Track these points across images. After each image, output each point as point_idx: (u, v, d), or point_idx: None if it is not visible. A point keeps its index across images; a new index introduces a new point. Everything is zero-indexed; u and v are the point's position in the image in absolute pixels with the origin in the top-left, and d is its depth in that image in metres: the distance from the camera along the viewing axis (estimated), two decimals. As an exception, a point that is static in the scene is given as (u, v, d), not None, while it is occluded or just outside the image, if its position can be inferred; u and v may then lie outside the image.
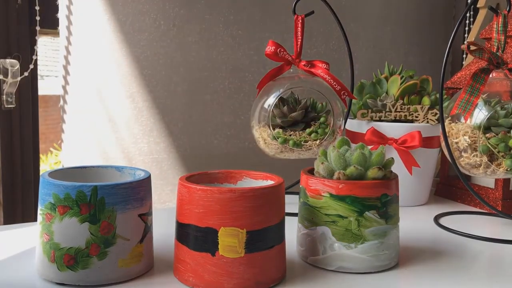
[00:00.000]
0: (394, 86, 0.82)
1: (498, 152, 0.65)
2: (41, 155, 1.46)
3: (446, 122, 0.70)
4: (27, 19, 1.04)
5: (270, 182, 0.49)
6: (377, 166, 0.52)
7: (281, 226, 0.48)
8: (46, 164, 2.49)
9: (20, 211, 1.10)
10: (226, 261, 0.45)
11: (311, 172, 0.56)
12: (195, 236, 0.46)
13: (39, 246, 0.46)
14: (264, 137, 0.76)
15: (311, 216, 0.53)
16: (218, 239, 0.45)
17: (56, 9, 1.02)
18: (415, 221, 0.74)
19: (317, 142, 0.74)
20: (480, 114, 0.67)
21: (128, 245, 0.45)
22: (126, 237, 0.45)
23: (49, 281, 0.46)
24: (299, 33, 0.76)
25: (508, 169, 0.65)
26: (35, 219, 1.12)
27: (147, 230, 0.48)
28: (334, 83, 0.74)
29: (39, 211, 0.46)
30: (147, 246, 0.48)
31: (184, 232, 0.47)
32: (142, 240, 0.47)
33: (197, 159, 1.07)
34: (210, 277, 0.45)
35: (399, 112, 0.80)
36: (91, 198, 0.43)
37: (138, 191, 0.46)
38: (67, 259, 0.44)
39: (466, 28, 1.16)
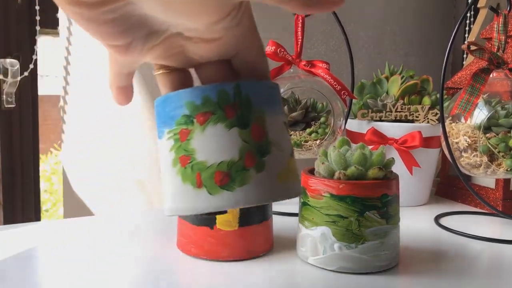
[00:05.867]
0: (395, 86, 0.82)
1: (498, 152, 0.65)
2: (41, 155, 1.46)
3: (447, 122, 0.70)
4: (27, 19, 1.04)
5: None
6: (377, 166, 0.52)
7: (268, 205, 0.58)
8: (46, 164, 2.49)
9: (20, 211, 1.10)
10: (222, 234, 0.53)
11: (311, 172, 0.56)
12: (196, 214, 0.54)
13: (172, 178, 0.35)
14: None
15: (312, 216, 0.53)
16: (215, 215, 0.53)
17: (56, 9, 1.02)
18: (415, 221, 0.74)
19: (318, 142, 0.74)
20: (480, 114, 0.67)
21: (282, 156, 0.36)
22: (279, 146, 0.36)
23: (197, 216, 0.40)
24: (299, 33, 0.76)
25: (508, 169, 0.65)
26: (35, 219, 1.12)
27: (291, 144, 0.39)
28: (335, 83, 0.74)
29: (165, 137, 0.36)
30: (295, 164, 0.39)
31: None
32: (292, 154, 0.38)
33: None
34: (209, 247, 0.54)
35: (400, 112, 0.80)
36: (235, 97, 0.34)
37: (277, 94, 0.37)
38: (219, 177, 0.34)
39: (467, 28, 1.16)
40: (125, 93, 0.36)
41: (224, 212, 0.37)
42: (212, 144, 0.34)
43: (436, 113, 0.79)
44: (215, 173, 0.34)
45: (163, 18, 0.27)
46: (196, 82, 0.37)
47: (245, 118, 0.34)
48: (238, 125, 0.34)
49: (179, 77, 0.36)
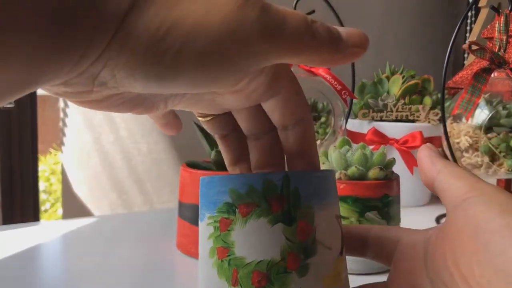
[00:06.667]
0: (395, 86, 0.82)
1: (500, 152, 0.65)
2: (40, 156, 1.46)
3: (448, 122, 0.69)
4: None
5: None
6: (378, 167, 0.51)
7: None
8: (45, 165, 2.49)
9: (19, 211, 1.09)
10: None
11: (312, 172, 0.56)
12: (196, 213, 0.53)
13: (208, 270, 0.32)
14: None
15: (312, 217, 0.52)
16: None
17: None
18: (416, 222, 0.74)
19: (318, 142, 0.74)
20: (481, 114, 0.66)
21: (330, 257, 0.32)
22: (327, 245, 0.32)
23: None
24: (299, 32, 0.76)
25: (510, 170, 0.65)
26: (34, 220, 1.12)
27: (343, 240, 0.34)
28: (335, 82, 0.74)
29: (205, 222, 0.33)
30: (346, 264, 0.34)
31: (186, 210, 0.55)
32: (342, 252, 0.34)
33: (196, 159, 1.07)
34: None
35: (401, 112, 0.79)
36: (283, 189, 0.31)
37: (331, 183, 0.34)
38: (256, 278, 0.30)
39: (468, 28, 1.16)
40: (169, 127, 0.34)
41: None
42: (253, 239, 0.31)
43: (437, 113, 0.79)
44: (253, 272, 0.30)
45: None
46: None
47: (292, 213, 0.31)
48: (283, 221, 0.31)
49: (226, 120, 0.32)
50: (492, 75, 0.67)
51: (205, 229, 0.32)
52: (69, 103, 1.08)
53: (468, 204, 0.23)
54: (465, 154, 0.67)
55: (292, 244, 0.30)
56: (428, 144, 0.30)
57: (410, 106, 0.80)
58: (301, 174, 0.31)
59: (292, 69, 0.82)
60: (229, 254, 0.31)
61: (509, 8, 0.67)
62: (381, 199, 0.51)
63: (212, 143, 0.57)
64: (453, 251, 0.23)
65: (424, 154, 0.29)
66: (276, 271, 0.30)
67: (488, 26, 0.87)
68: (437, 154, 0.29)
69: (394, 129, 0.79)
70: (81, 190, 1.09)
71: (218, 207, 0.31)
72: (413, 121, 0.80)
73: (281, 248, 0.30)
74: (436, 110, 0.79)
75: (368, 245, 0.32)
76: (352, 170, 0.51)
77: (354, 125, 0.83)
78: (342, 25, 0.79)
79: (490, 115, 0.66)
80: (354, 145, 0.55)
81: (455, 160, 0.68)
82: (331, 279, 0.31)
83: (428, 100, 0.80)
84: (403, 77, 0.82)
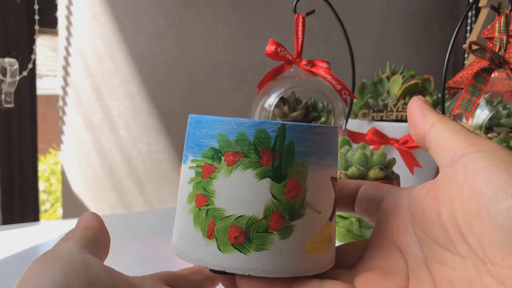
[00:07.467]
0: (396, 86, 0.82)
1: (500, 152, 0.65)
2: (39, 156, 1.46)
3: (448, 122, 0.69)
4: (25, 18, 1.04)
5: None
6: (378, 167, 0.51)
7: None
8: (45, 164, 2.49)
9: (19, 211, 1.09)
10: None
11: (312, 172, 0.56)
12: None
13: (184, 215, 0.30)
14: (264, 137, 0.75)
15: (312, 217, 0.52)
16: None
17: (55, 8, 1.02)
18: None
19: (318, 142, 0.74)
20: (481, 114, 0.66)
21: (318, 221, 0.29)
22: (316, 208, 0.29)
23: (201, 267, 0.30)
24: (299, 32, 0.76)
25: (510, 170, 0.65)
26: (34, 220, 1.12)
27: (335, 205, 0.31)
28: (335, 82, 0.74)
29: (188, 164, 0.30)
30: (334, 230, 0.32)
31: None
32: (332, 218, 0.31)
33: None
34: None
35: (401, 112, 0.79)
36: (277, 142, 0.28)
37: (332, 142, 0.30)
38: (234, 233, 0.28)
39: (468, 28, 1.16)
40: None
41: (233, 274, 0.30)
42: (236, 192, 0.28)
43: (437, 113, 0.79)
44: (231, 227, 0.28)
45: None
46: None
47: (283, 169, 0.28)
48: (271, 177, 0.28)
49: None
50: (492, 75, 0.67)
51: (186, 172, 0.30)
52: (69, 102, 1.08)
53: (468, 160, 0.21)
54: (465, 154, 0.67)
55: (278, 202, 0.28)
56: (419, 96, 0.27)
57: (410, 106, 0.80)
58: (299, 127, 0.28)
59: (292, 69, 0.81)
60: (208, 203, 0.29)
61: (509, 8, 0.67)
62: (381, 199, 0.51)
63: None
64: (450, 208, 0.22)
65: (416, 105, 0.26)
66: (256, 229, 0.28)
67: (488, 26, 0.87)
68: (430, 106, 0.26)
69: (394, 129, 0.79)
70: (81, 190, 1.09)
71: (203, 151, 0.29)
72: (413, 121, 0.80)
73: (265, 206, 0.28)
74: (436, 110, 0.79)
75: (356, 200, 0.31)
76: (352, 170, 0.51)
77: (354, 125, 0.83)
78: (342, 25, 0.79)
79: (490, 115, 0.66)
80: (354, 145, 0.55)
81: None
82: (315, 245, 0.29)
83: (428, 100, 0.80)
84: (403, 77, 0.82)
